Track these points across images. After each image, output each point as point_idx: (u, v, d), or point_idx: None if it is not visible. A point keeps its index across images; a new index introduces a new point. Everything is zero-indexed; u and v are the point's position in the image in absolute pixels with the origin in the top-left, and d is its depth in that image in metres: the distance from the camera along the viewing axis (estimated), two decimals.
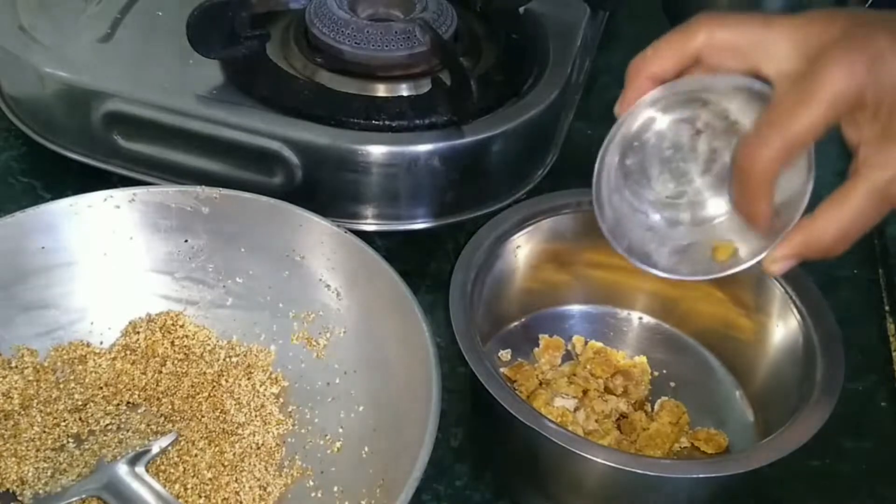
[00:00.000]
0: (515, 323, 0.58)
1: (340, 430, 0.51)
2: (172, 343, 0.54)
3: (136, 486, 0.47)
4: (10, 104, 0.67)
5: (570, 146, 0.70)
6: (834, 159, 0.76)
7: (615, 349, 0.57)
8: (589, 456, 0.43)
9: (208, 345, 0.55)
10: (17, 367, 0.51)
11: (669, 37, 0.41)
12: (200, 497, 0.48)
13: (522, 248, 0.56)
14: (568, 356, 0.57)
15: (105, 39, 0.65)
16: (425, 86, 0.62)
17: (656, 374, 0.56)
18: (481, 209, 0.62)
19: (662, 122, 0.43)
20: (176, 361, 0.54)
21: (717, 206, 0.44)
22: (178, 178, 0.62)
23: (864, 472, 0.54)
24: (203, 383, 0.53)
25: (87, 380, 0.52)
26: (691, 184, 0.45)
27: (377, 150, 0.58)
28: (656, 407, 0.54)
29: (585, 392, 0.54)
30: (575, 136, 0.72)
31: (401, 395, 0.48)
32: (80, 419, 0.51)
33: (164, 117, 0.60)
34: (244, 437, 0.51)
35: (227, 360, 0.54)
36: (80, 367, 0.53)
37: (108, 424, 0.51)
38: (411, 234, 0.62)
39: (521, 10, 0.70)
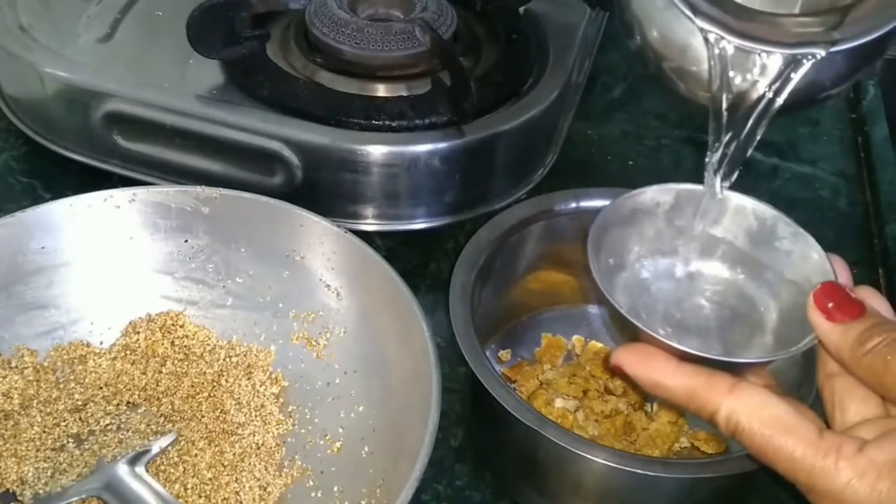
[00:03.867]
0: (515, 323, 0.58)
1: (340, 430, 0.51)
2: (172, 343, 0.54)
3: (136, 486, 0.47)
4: (10, 104, 0.67)
5: (570, 146, 0.70)
6: (835, 158, 0.76)
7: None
8: (589, 456, 0.43)
9: (208, 345, 0.55)
10: (17, 367, 0.51)
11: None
12: (200, 497, 0.48)
13: (522, 248, 0.56)
14: (568, 356, 0.57)
15: (105, 39, 0.65)
16: (425, 86, 0.62)
17: None
18: (481, 209, 0.62)
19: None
20: (176, 361, 0.54)
21: None
22: (178, 178, 0.62)
23: None
24: (203, 383, 0.53)
25: (87, 380, 0.52)
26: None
27: (377, 150, 0.58)
28: (655, 407, 0.54)
29: (585, 392, 0.54)
30: (575, 136, 0.72)
31: (401, 395, 0.48)
32: (80, 419, 0.51)
33: (164, 117, 0.60)
34: (244, 437, 0.51)
35: (227, 360, 0.54)
36: (80, 367, 0.53)
37: (108, 424, 0.51)
38: (411, 234, 0.63)
39: (521, 10, 0.70)
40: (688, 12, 0.37)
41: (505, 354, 0.57)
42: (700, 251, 0.42)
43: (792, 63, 0.36)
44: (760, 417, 0.34)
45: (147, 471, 0.48)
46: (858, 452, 0.33)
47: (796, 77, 0.37)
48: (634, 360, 0.37)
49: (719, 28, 0.37)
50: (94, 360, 0.53)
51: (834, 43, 0.36)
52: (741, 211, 0.42)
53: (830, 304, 0.36)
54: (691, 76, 0.39)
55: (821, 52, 0.36)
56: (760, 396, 0.35)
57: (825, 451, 0.33)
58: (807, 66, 0.36)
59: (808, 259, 0.40)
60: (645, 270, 0.42)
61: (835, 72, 0.38)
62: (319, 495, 0.49)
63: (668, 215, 0.42)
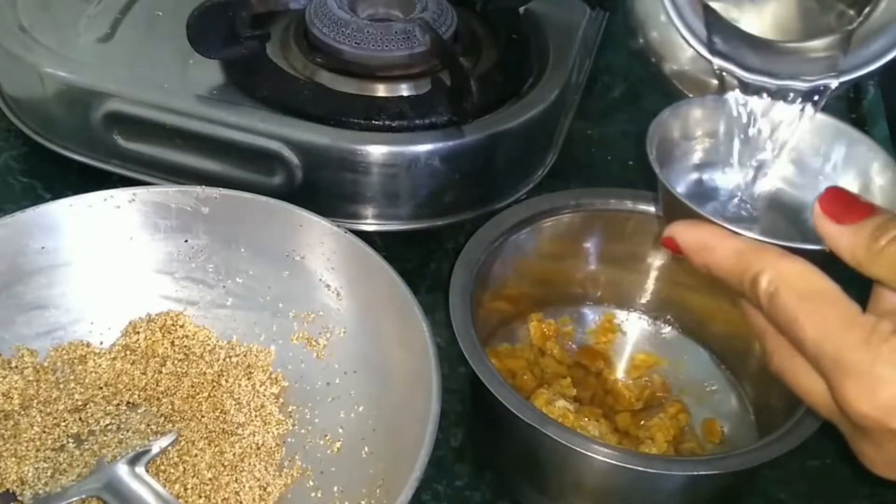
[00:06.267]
0: (516, 323, 0.58)
1: (340, 430, 0.51)
2: (172, 343, 0.54)
3: (136, 486, 0.47)
4: (10, 104, 0.67)
5: (570, 146, 0.70)
6: None
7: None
8: (590, 453, 0.43)
9: (208, 345, 0.55)
10: (17, 367, 0.51)
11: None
12: (200, 497, 0.48)
13: (522, 248, 0.56)
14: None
15: (105, 39, 0.65)
16: (425, 86, 0.62)
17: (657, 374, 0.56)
18: (481, 209, 0.62)
19: None
20: (176, 361, 0.54)
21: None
22: (178, 178, 0.62)
23: (864, 472, 0.54)
24: (203, 383, 0.53)
25: (87, 380, 0.52)
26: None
27: (377, 150, 0.58)
28: (656, 407, 0.54)
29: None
30: (575, 136, 0.72)
31: (401, 395, 0.48)
32: (80, 419, 0.51)
33: (164, 117, 0.60)
34: (244, 437, 0.50)
35: (227, 360, 0.54)
36: (80, 367, 0.53)
37: (108, 424, 0.51)
38: (411, 234, 0.63)
39: (521, 10, 0.70)
40: (704, 53, 0.37)
41: None
42: (765, 157, 0.41)
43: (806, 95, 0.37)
44: (805, 284, 0.33)
45: (147, 471, 0.48)
46: (894, 332, 0.31)
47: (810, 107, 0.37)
48: (685, 227, 0.36)
49: (734, 65, 0.37)
50: (94, 360, 0.53)
51: (841, 73, 0.37)
52: (822, 126, 0.41)
53: (837, 208, 0.33)
54: (691, 79, 0.39)
55: (833, 83, 0.36)
56: (809, 267, 0.33)
57: (861, 325, 0.32)
58: (823, 97, 0.37)
59: (877, 174, 0.39)
60: (705, 171, 0.42)
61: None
62: (319, 495, 0.49)
63: (737, 120, 0.40)
